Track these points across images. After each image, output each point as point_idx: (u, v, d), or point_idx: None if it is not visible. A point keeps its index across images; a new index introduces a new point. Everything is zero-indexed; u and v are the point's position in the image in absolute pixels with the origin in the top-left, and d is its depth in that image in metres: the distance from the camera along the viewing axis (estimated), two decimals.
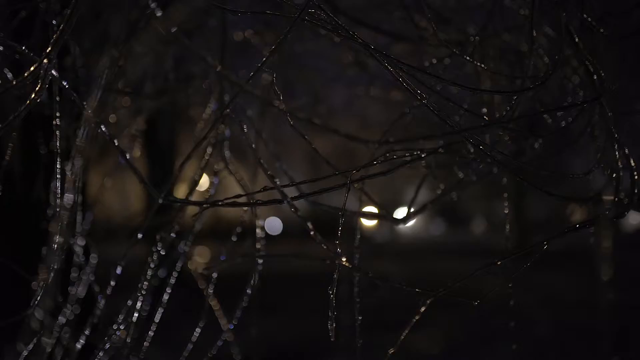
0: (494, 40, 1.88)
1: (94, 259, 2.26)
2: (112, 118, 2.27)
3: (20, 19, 2.06)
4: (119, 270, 1.35)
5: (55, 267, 1.22)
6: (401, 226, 1.77)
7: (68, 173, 2.10)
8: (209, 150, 1.74)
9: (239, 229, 1.68)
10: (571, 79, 1.87)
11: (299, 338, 6.13)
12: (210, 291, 1.68)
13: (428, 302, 1.15)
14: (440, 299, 1.21)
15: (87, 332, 1.49)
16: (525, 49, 2.17)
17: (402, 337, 1.17)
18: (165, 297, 1.69)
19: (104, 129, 1.17)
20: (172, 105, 2.77)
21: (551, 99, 2.01)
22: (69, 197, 1.28)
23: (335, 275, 1.17)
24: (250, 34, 2.37)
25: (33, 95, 1.07)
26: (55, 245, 1.24)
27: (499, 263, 1.16)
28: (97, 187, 2.80)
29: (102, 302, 1.43)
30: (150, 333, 1.68)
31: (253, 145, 1.20)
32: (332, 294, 1.16)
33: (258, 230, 1.66)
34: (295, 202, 1.24)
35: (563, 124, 1.67)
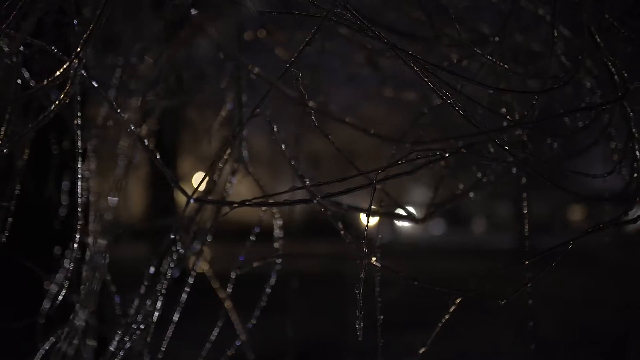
0: (507, 41, 1.89)
1: (105, 258, 2.26)
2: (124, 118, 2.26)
3: (29, 18, 2.06)
4: (151, 270, 1.35)
5: (98, 267, 1.22)
6: (410, 225, 1.77)
7: (84, 174, 2.09)
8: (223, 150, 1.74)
9: (257, 229, 1.68)
10: (585, 78, 1.88)
11: (308, 338, 6.13)
12: (229, 290, 1.68)
13: (457, 301, 1.15)
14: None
15: (119, 333, 1.49)
16: (537, 49, 2.18)
17: (432, 337, 1.17)
18: (184, 296, 1.69)
19: (133, 128, 1.17)
20: (180, 105, 2.76)
21: (565, 99, 2.02)
22: (112, 200, 1.28)
23: (361, 275, 1.17)
24: (262, 34, 2.37)
25: (62, 96, 1.07)
26: (98, 246, 1.24)
27: (526, 263, 1.16)
28: (99, 187, 2.80)
29: (135, 302, 1.43)
30: (169, 333, 1.68)
31: (283, 147, 1.20)
32: (359, 293, 1.17)
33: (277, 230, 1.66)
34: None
35: (580, 124, 1.68)
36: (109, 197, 1.39)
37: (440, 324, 1.21)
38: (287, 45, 2.66)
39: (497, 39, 1.62)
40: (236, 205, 1.11)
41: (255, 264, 1.49)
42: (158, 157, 1.14)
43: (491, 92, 1.61)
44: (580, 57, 1.37)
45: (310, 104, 1.25)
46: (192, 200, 1.17)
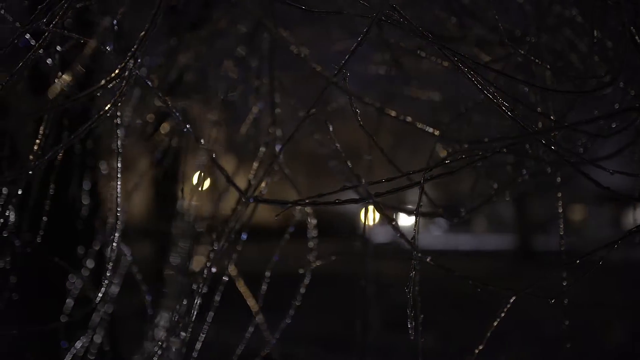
0: (538, 40, 1.89)
1: (128, 259, 2.25)
2: (150, 117, 2.27)
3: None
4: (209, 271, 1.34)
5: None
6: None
7: (111, 174, 2.09)
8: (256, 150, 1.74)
9: (291, 229, 1.68)
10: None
11: (317, 338, 6.12)
12: (264, 287, 1.68)
13: (512, 300, 1.16)
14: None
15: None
16: (559, 49, 2.18)
17: (486, 339, 1.18)
18: (217, 297, 1.69)
19: (189, 128, 1.16)
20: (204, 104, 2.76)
21: (594, 98, 2.03)
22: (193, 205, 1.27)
23: (411, 274, 1.18)
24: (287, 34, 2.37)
25: (117, 96, 1.07)
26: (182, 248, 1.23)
27: (577, 262, 1.17)
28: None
29: (187, 305, 1.42)
30: (202, 333, 1.68)
31: (337, 145, 1.20)
32: (409, 292, 1.17)
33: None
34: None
35: (614, 125, 1.69)
36: (193, 201, 1.39)
37: (495, 324, 1.21)
38: (295, 43, 2.65)
39: (533, 39, 1.62)
40: (290, 205, 1.11)
41: (317, 263, 1.49)
42: (214, 156, 1.14)
43: (527, 90, 1.62)
44: (623, 58, 1.37)
45: (368, 101, 1.25)
46: (251, 200, 1.17)
